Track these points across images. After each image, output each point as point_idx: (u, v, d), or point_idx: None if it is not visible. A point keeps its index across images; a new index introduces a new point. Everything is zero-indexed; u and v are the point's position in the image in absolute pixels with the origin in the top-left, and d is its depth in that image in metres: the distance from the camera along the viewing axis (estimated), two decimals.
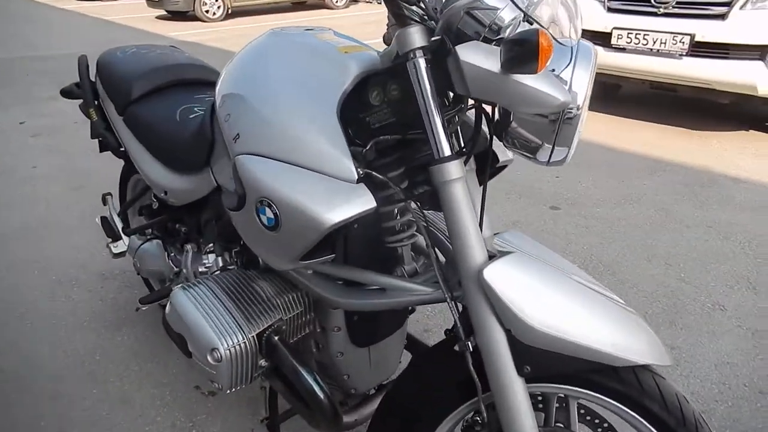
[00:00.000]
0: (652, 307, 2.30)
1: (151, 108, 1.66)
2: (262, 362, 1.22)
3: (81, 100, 1.86)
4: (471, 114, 1.12)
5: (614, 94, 5.12)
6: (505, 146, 1.07)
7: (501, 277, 0.95)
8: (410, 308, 1.49)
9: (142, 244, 1.83)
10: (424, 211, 1.21)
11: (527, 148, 1.04)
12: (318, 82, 1.06)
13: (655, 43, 4.13)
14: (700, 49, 3.96)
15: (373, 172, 1.04)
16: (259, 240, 1.09)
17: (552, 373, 0.97)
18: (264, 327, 1.21)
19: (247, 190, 1.06)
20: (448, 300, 1.03)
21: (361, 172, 1.01)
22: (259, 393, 1.86)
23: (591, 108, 4.84)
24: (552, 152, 1.02)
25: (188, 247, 1.61)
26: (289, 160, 1.03)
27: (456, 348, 1.01)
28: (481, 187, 1.14)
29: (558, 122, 0.97)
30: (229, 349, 1.16)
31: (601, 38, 4.35)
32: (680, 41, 4.01)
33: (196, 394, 1.91)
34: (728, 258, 2.65)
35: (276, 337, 1.21)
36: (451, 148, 0.96)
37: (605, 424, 1.17)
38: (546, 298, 0.96)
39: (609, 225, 2.99)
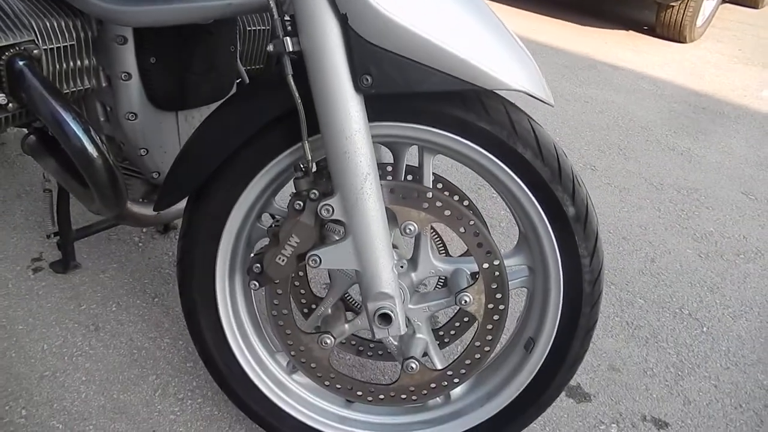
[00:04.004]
0: None
1: None
2: (1, 99, 0.84)
3: None
4: None
5: None
6: None
7: None
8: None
9: None
10: None
11: None
12: None
13: None
14: None
15: None
16: None
17: (398, 90, 0.70)
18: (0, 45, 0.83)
19: None
20: None
21: None
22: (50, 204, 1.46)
23: None
24: None
25: None
26: None
27: (270, 48, 0.70)
28: None
29: None
30: None
31: None
32: None
33: None
34: (602, 128, 2.57)
35: (22, 62, 0.83)
36: None
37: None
38: None
39: None
